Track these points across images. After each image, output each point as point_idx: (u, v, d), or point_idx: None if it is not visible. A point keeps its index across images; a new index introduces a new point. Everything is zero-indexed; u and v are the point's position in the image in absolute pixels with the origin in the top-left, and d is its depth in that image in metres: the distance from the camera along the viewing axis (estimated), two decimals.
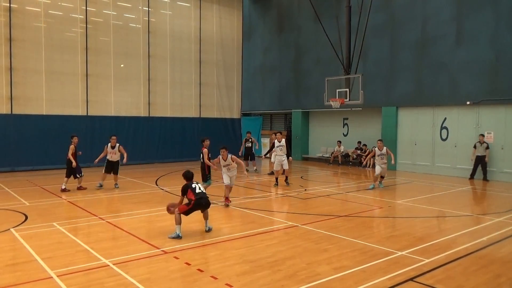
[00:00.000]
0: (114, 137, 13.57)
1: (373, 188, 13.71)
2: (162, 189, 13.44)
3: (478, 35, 16.42)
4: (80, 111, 19.45)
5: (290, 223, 8.99)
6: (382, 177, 14.03)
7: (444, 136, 17.80)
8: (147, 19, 21.44)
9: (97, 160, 13.53)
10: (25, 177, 16.16)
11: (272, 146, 15.02)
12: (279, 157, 14.22)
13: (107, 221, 8.99)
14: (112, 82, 20.40)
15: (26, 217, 9.25)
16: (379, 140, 14.40)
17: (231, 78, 25.10)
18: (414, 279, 5.75)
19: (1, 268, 6.11)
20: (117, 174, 13.57)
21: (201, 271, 6.01)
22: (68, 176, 12.63)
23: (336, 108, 17.84)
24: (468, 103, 16.64)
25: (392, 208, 10.80)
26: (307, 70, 23.69)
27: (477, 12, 16.45)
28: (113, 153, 13.39)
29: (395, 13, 19.35)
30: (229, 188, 10.88)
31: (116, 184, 13.55)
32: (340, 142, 21.90)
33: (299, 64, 24.24)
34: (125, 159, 13.45)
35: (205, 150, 11.42)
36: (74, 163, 12.48)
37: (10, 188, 12.89)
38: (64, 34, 18.96)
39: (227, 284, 5.52)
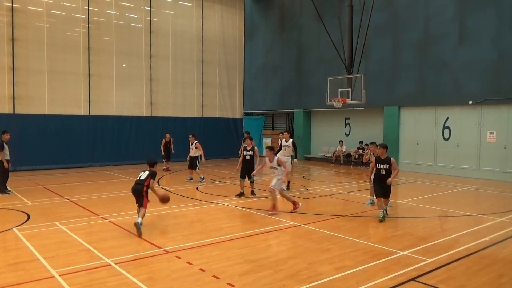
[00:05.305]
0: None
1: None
2: (164, 189, 13.45)
3: (480, 34, 16.37)
4: (82, 110, 19.47)
5: (292, 223, 8.98)
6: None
7: (446, 136, 17.76)
8: (149, 18, 21.44)
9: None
10: (27, 176, 16.21)
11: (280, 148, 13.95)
12: (284, 157, 13.07)
13: (109, 221, 9.00)
14: (114, 82, 20.41)
15: (29, 217, 9.28)
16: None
17: (233, 78, 25.08)
18: (416, 279, 5.74)
19: (3, 267, 6.12)
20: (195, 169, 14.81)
21: (203, 270, 6.01)
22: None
23: (338, 108, 17.81)
24: (470, 102, 16.59)
25: (394, 207, 10.77)
26: (309, 70, 23.67)
27: (480, 11, 16.40)
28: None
29: (397, 13, 19.31)
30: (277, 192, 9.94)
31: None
32: (342, 141, 21.87)
33: (301, 64, 24.22)
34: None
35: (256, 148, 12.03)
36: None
37: (13, 188, 12.90)
38: (66, 34, 18.98)
39: (228, 284, 5.52)
